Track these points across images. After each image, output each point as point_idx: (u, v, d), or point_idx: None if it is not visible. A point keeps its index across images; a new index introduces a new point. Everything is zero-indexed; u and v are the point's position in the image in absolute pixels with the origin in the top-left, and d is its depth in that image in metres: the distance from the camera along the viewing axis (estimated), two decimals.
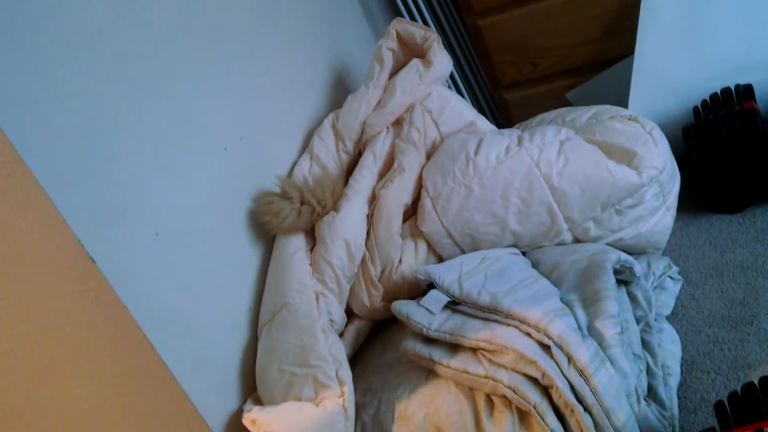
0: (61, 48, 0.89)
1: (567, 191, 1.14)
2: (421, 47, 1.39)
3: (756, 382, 0.83)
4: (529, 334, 0.94)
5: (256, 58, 1.30)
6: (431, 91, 1.36)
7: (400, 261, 1.21)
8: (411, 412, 0.99)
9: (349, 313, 1.24)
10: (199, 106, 1.12)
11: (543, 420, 0.89)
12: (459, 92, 1.83)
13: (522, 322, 0.95)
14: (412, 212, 1.28)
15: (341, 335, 1.19)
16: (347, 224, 1.20)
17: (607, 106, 1.27)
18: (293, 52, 1.42)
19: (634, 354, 0.99)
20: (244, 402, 1.08)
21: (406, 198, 1.24)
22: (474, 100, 1.94)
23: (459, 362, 0.96)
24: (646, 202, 1.15)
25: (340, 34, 1.63)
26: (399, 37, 1.40)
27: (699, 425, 0.98)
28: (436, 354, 0.99)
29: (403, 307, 1.06)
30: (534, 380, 0.91)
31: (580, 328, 0.95)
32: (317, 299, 1.14)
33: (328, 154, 1.35)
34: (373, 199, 1.26)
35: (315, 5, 1.54)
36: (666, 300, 1.18)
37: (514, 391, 0.90)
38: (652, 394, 0.98)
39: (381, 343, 1.22)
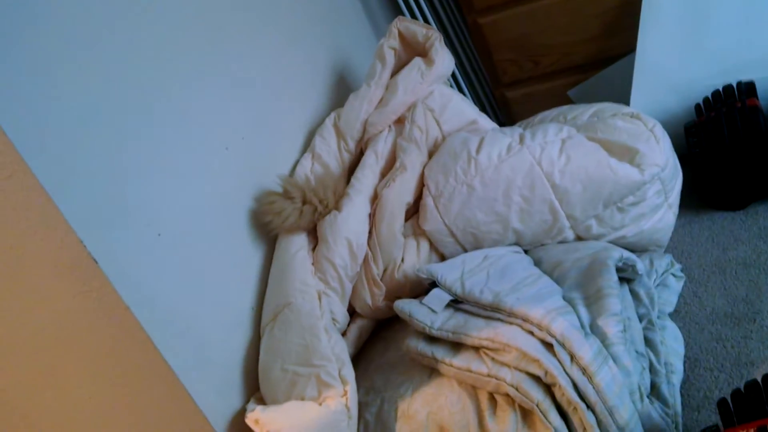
0: (61, 48, 0.89)
1: (569, 189, 1.13)
2: (423, 46, 1.39)
3: (759, 380, 0.82)
4: (531, 333, 0.94)
5: (257, 58, 1.30)
6: (433, 89, 1.36)
7: (402, 260, 1.21)
8: (414, 411, 0.99)
9: (352, 312, 1.24)
10: (200, 106, 1.12)
11: (546, 418, 0.89)
12: (460, 90, 1.83)
13: (524, 320, 0.94)
14: (414, 211, 1.28)
15: (344, 334, 1.19)
16: (349, 223, 1.20)
17: (609, 104, 1.27)
18: (294, 51, 1.42)
19: (636, 352, 0.99)
20: (246, 401, 1.08)
21: (408, 197, 1.24)
22: (475, 98, 1.94)
23: (462, 361, 0.96)
24: (648, 200, 1.15)
25: (341, 33, 1.63)
26: (401, 35, 1.40)
27: (702, 423, 0.98)
28: (439, 353, 0.99)
29: (405, 306, 1.06)
30: (537, 378, 0.91)
31: (582, 326, 0.95)
32: (320, 299, 1.14)
33: (330, 152, 1.35)
34: (375, 198, 1.26)
35: (315, 4, 1.53)
36: (668, 297, 1.18)
37: (517, 390, 0.90)
38: (655, 391, 0.98)
39: (383, 341, 1.22)
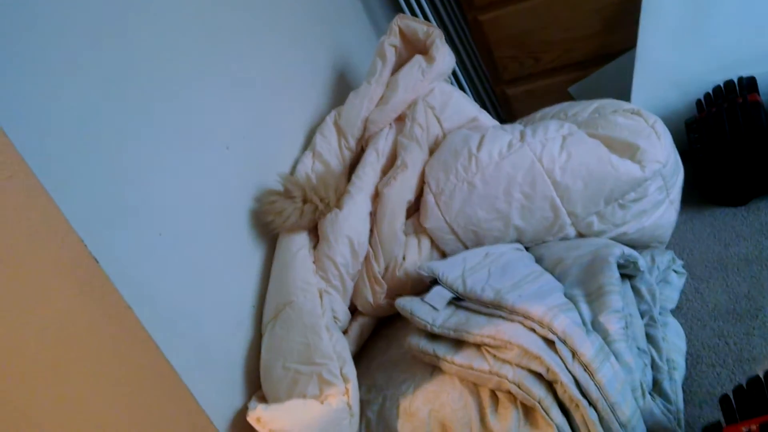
0: (61, 48, 0.89)
1: (570, 186, 1.13)
2: (424, 43, 1.39)
3: (761, 376, 0.82)
4: (533, 330, 0.94)
5: (257, 57, 1.30)
6: (434, 87, 1.36)
7: (403, 258, 1.21)
8: (416, 408, 0.99)
9: (353, 310, 1.24)
10: (200, 105, 1.12)
11: (548, 415, 0.89)
12: (461, 88, 1.83)
13: (526, 317, 0.94)
14: (415, 209, 1.28)
15: (345, 332, 1.20)
16: (350, 222, 1.20)
17: (610, 100, 1.27)
18: (294, 49, 1.42)
19: (638, 348, 0.99)
20: (248, 400, 1.08)
21: (410, 195, 1.24)
22: (476, 95, 1.94)
23: (463, 358, 0.96)
24: (649, 196, 1.14)
25: (342, 31, 1.63)
26: (401, 33, 1.40)
27: (704, 419, 0.98)
28: (441, 350, 0.99)
29: (407, 304, 1.06)
30: (539, 375, 0.91)
31: (584, 323, 0.95)
32: (321, 297, 1.14)
33: (331, 151, 1.35)
34: (376, 197, 1.26)
35: (316, 3, 1.53)
36: (670, 294, 1.18)
37: (518, 387, 0.90)
38: (657, 388, 0.98)
39: (385, 339, 1.22)
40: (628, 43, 1.50)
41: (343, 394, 1.00)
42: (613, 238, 1.17)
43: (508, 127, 1.28)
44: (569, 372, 0.89)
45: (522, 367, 0.91)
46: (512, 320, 0.96)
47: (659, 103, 1.41)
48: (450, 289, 1.05)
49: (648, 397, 0.94)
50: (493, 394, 0.95)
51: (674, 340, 1.07)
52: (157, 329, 0.89)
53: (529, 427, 0.91)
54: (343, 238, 1.18)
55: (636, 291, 1.08)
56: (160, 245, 0.98)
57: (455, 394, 0.97)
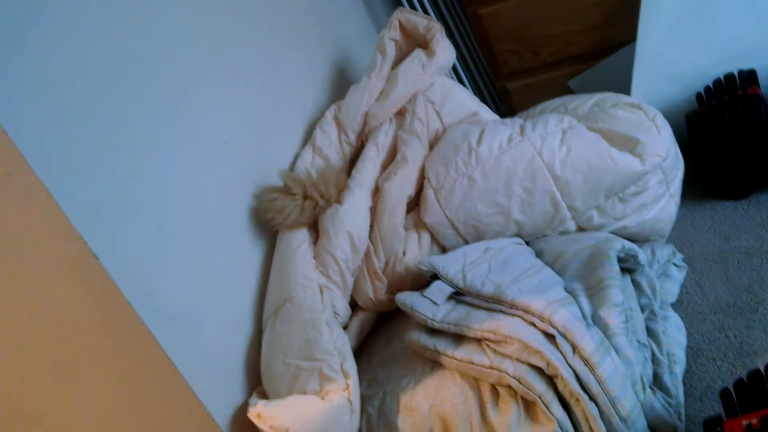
0: (60, 45, 0.88)
1: (570, 180, 1.13)
2: (424, 37, 1.38)
3: (762, 369, 0.82)
4: (533, 324, 0.94)
5: (257, 52, 1.30)
6: (434, 81, 1.35)
7: (403, 253, 1.21)
8: (416, 403, 0.99)
9: (353, 306, 1.24)
10: (199, 100, 1.12)
11: (548, 409, 0.89)
12: (460, 82, 1.82)
13: (526, 311, 0.94)
14: (415, 203, 1.28)
15: (345, 328, 1.20)
16: (351, 217, 1.19)
17: (610, 94, 1.26)
18: (294, 44, 1.42)
19: (639, 342, 0.99)
20: (249, 396, 1.08)
21: (410, 189, 1.24)
22: (475, 89, 1.93)
23: (464, 353, 0.96)
24: (649, 190, 1.14)
25: (341, 25, 1.63)
26: (402, 27, 1.40)
27: (705, 413, 0.98)
28: (441, 345, 0.99)
29: (407, 299, 1.06)
30: (539, 370, 0.91)
31: (584, 317, 0.95)
32: (321, 293, 1.14)
33: (331, 145, 1.34)
34: (376, 191, 1.26)
35: None
36: (670, 287, 1.18)
37: (519, 381, 0.90)
38: (657, 382, 0.98)
39: (385, 334, 1.22)
40: (628, 36, 1.50)
41: (343, 390, 1.00)
42: (614, 232, 1.17)
43: (507, 121, 1.27)
44: (570, 366, 0.89)
45: (522, 362, 0.91)
46: (512, 315, 0.96)
47: (659, 97, 1.40)
48: (450, 283, 1.05)
49: (648, 391, 0.94)
50: (494, 389, 0.95)
51: (675, 333, 1.07)
52: (157, 325, 0.89)
53: (529, 421, 0.91)
54: (344, 234, 1.18)
55: (636, 285, 1.08)
56: (160, 241, 0.98)
57: (456, 389, 0.97)
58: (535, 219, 1.18)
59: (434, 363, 1.02)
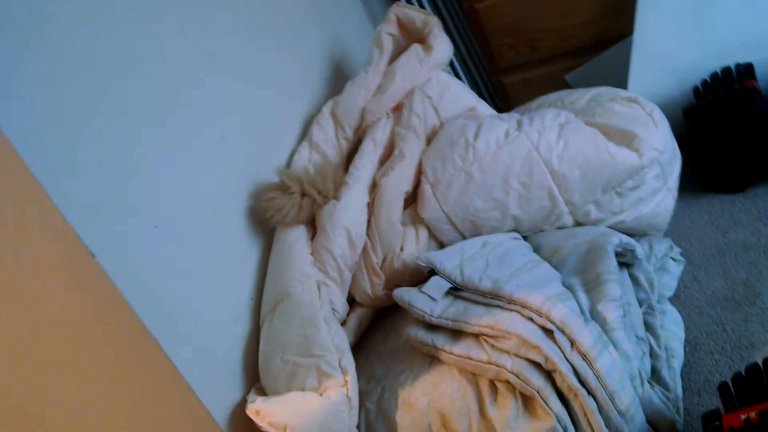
0: (56, 42, 0.88)
1: (567, 175, 1.13)
2: (422, 32, 1.38)
3: (760, 363, 0.82)
4: (531, 319, 0.94)
5: (253, 47, 1.29)
6: (431, 76, 1.35)
7: (401, 248, 1.21)
8: (415, 399, 0.99)
9: (351, 302, 1.24)
10: (195, 97, 1.11)
11: (547, 404, 0.89)
12: (457, 76, 1.82)
13: (524, 307, 0.94)
14: (412, 199, 1.28)
15: (343, 323, 1.20)
16: (348, 213, 1.19)
17: (607, 88, 1.26)
18: (290, 39, 1.41)
19: (637, 336, 0.99)
20: (247, 392, 1.08)
21: (407, 185, 1.24)
22: (472, 84, 1.93)
23: (462, 348, 0.96)
24: (647, 184, 1.14)
25: (338, 20, 1.62)
26: (399, 22, 1.39)
27: (703, 406, 0.99)
28: (439, 340, 0.99)
29: (405, 295, 1.06)
30: (537, 365, 0.91)
31: (582, 311, 0.95)
32: (319, 289, 1.14)
33: (328, 141, 1.34)
34: (373, 187, 1.26)
35: None
36: (668, 281, 1.18)
37: (517, 377, 0.90)
38: (655, 376, 0.98)
39: (383, 330, 1.22)
40: (626, 29, 1.49)
41: (342, 386, 1.00)
42: (611, 227, 1.17)
43: (504, 116, 1.27)
44: (568, 361, 0.90)
45: (520, 357, 0.91)
46: (510, 310, 0.96)
47: (656, 91, 1.40)
48: (448, 279, 1.05)
49: (647, 385, 0.94)
50: (492, 384, 0.95)
51: (672, 327, 1.08)
52: (155, 323, 0.89)
53: (528, 416, 0.91)
54: (341, 230, 1.18)
55: (634, 279, 1.08)
56: (157, 238, 0.98)
57: (454, 385, 0.97)
58: (533, 214, 1.18)
59: (432, 358, 1.02)
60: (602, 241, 1.04)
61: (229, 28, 1.24)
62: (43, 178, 0.77)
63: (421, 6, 1.74)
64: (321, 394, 0.99)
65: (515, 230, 1.21)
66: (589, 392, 0.89)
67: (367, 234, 1.22)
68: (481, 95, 1.70)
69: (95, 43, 0.94)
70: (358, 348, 1.20)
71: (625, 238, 1.06)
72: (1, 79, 0.80)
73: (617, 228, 1.16)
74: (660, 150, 1.12)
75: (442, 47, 1.36)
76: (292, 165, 1.29)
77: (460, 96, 1.36)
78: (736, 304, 1.11)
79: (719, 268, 1.19)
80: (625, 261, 1.08)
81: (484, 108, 1.37)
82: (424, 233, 1.23)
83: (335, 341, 1.06)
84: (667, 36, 1.41)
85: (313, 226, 1.23)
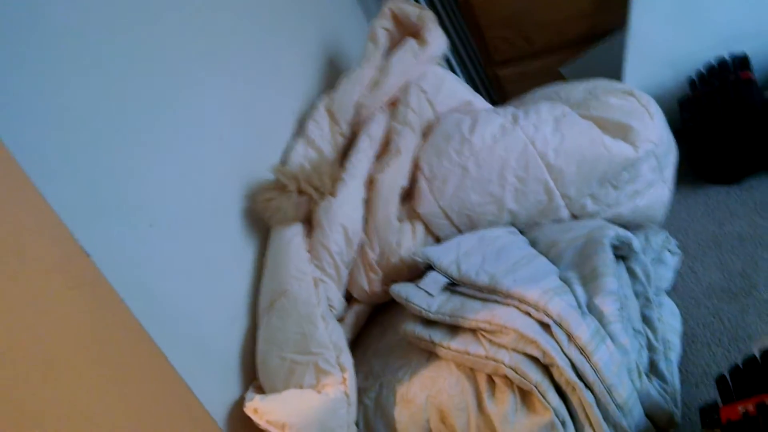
0: (49, 41, 0.88)
1: (563, 168, 1.13)
2: (416, 26, 1.38)
3: (757, 355, 0.83)
4: (528, 314, 0.93)
5: (252, 47, 1.29)
6: (426, 70, 1.35)
7: (398, 244, 1.21)
8: (413, 395, 0.99)
9: (348, 298, 1.24)
10: (194, 96, 1.11)
11: (544, 398, 0.89)
12: (452, 70, 1.82)
13: (521, 301, 0.94)
14: (408, 194, 1.27)
15: (341, 320, 1.19)
16: (344, 209, 1.19)
17: (602, 81, 1.26)
18: (285, 35, 1.41)
19: (634, 329, 0.99)
20: (245, 390, 1.08)
21: (403, 181, 1.24)
22: (467, 77, 1.93)
23: (459, 343, 0.96)
24: (642, 177, 1.14)
25: (332, 15, 1.62)
26: (394, 16, 1.39)
27: (701, 398, 0.99)
28: (437, 336, 0.99)
29: (402, 290, 1.06)
30: (535, 359, 0.91)
31: (579, 305, 0.95)
32: (316, 286, 1.14)
33: (323, 137, 1.34)
34: (369, 183, 1.25)
35: None
36: (665, 274, 1.18)
37: (515, 371, 0.90)
38: (653, 368, 0.98)
39: (381, 326, 1.22)
40: (621, 22, 1.49)
41: (340, 383, 1.00)
42: (607, 219, 1.16)
43: (500, 109, 1.27)
44: (565, 355, 0.89)
45: (518, 352, 0.91)
46: (507, 304, 0.95)
47: (652, 83, 1.40)
48: (445, 274, 1.05)
49: (644, 378, 0.94)
50: (490, 379, 0.95)
51: (669, 320, 1.08)
52: (151, 322, 0.89)
53: (526, 410, 0.91)
54: (338, 226, 1.17)
55: (631, 272, 1.08)
56: (152, 237, 0.97)
57: (452, 380, 0.97)
58: (529, 208, 1.18)
59: (430, 354, 1.02)
60: (598, 234, 1.04)
61: (228, 28, 1.24)
62: (37, 178, 0.77)
63: (416, 0, 1.73)
64: (319, 392, 0.99)
65: (512, 224, 1.21)
66: (587, 386, 0.89)
67: (364, 230, 1.21)
68: (476, 88, 1.70)
69: (95, 43, 0.94)
70: (355, 344, 1.20)
71: (622, 231, 1.06)
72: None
73: (614, 221, 1.16)
74: (655, 142, 1.12)
75: (437, 41, 1.35)
76: (288, 161, 1.29)
77: (456, 90, 1.35)
78: (733, 296, 1.11)
79: (716, 259, 1.19)
80: (622, 254, 1.08)
81: (480, 102, 1.37)
82: (420, 228, 1.23)
83: (333, 338, 1.06)
84: (661, 28, 1.41)
85: (309, 222, 1.23)
